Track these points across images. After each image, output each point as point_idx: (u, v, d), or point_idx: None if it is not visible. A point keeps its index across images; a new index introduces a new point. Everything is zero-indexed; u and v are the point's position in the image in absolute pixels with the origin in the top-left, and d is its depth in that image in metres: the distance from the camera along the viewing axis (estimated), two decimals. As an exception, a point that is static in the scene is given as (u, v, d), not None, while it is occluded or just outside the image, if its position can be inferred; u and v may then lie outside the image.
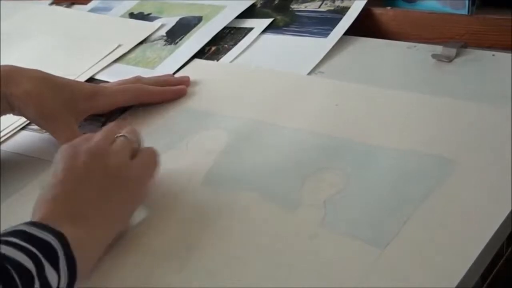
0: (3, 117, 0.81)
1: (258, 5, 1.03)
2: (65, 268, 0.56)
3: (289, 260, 0.60)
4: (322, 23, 0.95)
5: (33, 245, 0.54)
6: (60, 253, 0.56)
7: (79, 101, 0.81)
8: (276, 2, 1.03)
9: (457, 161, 0.66)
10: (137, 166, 0.67)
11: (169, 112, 0.85)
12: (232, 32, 1.00)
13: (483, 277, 0.63)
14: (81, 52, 1.03)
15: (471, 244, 0.57)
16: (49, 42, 1.07)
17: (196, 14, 1.04)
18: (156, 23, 1.05)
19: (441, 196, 0.63)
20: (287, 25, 0.98)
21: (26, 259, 0.53)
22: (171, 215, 0.68)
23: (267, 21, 0.99)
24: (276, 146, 0.74)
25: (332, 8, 0.97)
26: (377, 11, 0.96)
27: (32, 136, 0.86)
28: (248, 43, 0.96)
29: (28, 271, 0.53)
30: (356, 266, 0.58)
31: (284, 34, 0.97)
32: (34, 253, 0.54)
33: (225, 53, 0.96)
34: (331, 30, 0.93)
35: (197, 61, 0.95)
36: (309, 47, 0.92)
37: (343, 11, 0.95)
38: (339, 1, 0.97)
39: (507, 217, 0.60)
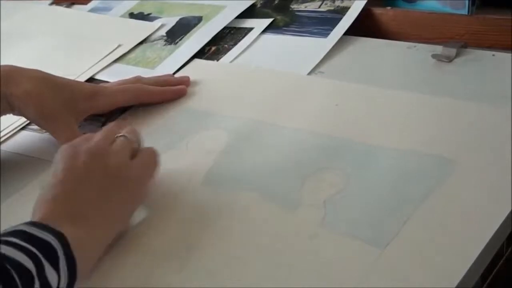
0: (3, 117, 0.81)
1: (258, 5, 1.03)
2: (65, 268, 0.56)
3: (289, 260, 0.60)
4: (322, 23, 0.95)
5: (33, 245, 0.54)
6: (60, 253, 0.56)
7: (79, 101, 0.81)
8: (276, 2, 1.03)
9: (457, 161, 0.66)
10: (137, 166, 0.67)
11: (169, 112, 0.85)
12: (232, 32, 1.00)
13: (483, 277, 0.63)
14: (81, 52, 1.03)
15: (471, 244, 0.57)
16: (49, 42, 1.07)
17: (196, 14, 1.04)
18: (156, 23, 1.05)
19: (441, 196, 0.63)
20: (287, 25, 0.98)
21: (26, 259, 0.53)
22: (171, 215, 0.68)
23: (267, 21, 0.99)
24: (276, 146, 0.74)
25: (332, 8, 0.97)
26: (377, 11, 0.96)
27: (32, 136, 0.86)
28: (248, 43, 0.96)
29: (28, 271, 0.53)
30: (356, 266, 0.58)
31: (284, 34, 0.97)
32: (34, 253, 0.54)
33: (225, 53, 0.96)
34: (331, 30, 0.93)
35: (197, 61, 0.95)
36: (309, 47, 0.92)
37: (343, 11, 0.95)
38: (339, 1, 0.97)
39: (507, 217, 0.60)
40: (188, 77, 0.90)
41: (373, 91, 0.80)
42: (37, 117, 0.79)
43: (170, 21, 1.05)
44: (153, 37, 1.03)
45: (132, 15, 1.11)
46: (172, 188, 0.71)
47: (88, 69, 0.97)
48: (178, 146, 0.78)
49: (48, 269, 0.54)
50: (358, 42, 0.92)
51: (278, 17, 1.00)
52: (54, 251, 0.55)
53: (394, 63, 0.86)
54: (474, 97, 0.76)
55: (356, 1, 0.96)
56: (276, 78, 0.87)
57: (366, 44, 0.92)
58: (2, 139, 0.86)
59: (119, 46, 1.01)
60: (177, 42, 1.00)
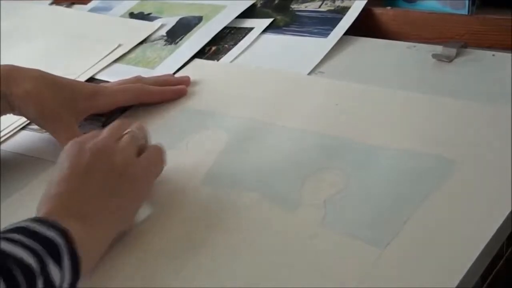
0: (3, 117, 0.81)
1: (258, 5, 1.03)
2: (69, 265, 0.56)
3: (289, 260, 0.60)
4: (322, 23, 0.95)
5: (36, 242, 0.54)
6: (64, 250, 0.55)
7: (79, 101, 0.81)
8: (276, 2, 1.03)
9: (457, 161, 0.66)
10: (143, 163, 0.67)
11: (169, 112, 0.85)
12: (232, 32, 1.00)
13: (483, 277, 0.63)
14: (81, 52, 1.03)
15: (471, 244, 0.57)
16: (49, 42, 1.07)
17: (196, 14, 1.04)
18: (156, 23, 1.05)
19: (441, 196, 0.63)
20: (287, 25, 0.98)
21: (29, 256, 0.53)
22: (170, 215, 0.68)
23: (267, 21, 0.99)
24: (276, 146, 0.74)
25: (332, 8, 0.97)
26: (377, 11, 0.96)
27: (32, 136, 0.86)
28: (248, 43, 0.96)
29: (30, 268, 0.53)
30: (356, 266, 0.58)
31: (284, 34, 0.97)
32: (37, 250, 0.54)
33: (225, 53, 0.96)
34: (331, 30, 0.93)
35: (197, 61, 0.95)
36: (309, 47, 0.92)
37: (343, 11, 0.95)
38: (339, 1, 0.97)
39: (507, 217, 0.60)
40: (188, 77, 0.90)
41: (373, 91, 0.80)
42: (37, 117, 0.79)
43: (170, 21, 1.05)
44: (153, 37, 1.03)
45: (132, 15, 1.11)
46: (172, 188, 0.71)
47: (88, 69, 0.97)
48: (178, 146, 0.78)
49: (51, 266, 0.54)
50: (358, 42, 0.92)
51: (278, 17, 1.00)
52: (58, 247, 0.55)
53: (394, 63, 0.86)
54: (474, 97, 0.76)
55: (356, 1, 0.96)
56: (276, 78, 0.87)
57: (366, 44, 0.92)
58: (2, 139, 0.86)
59: (119, 46, 1.01)
60: (177, 42, 1.00)
